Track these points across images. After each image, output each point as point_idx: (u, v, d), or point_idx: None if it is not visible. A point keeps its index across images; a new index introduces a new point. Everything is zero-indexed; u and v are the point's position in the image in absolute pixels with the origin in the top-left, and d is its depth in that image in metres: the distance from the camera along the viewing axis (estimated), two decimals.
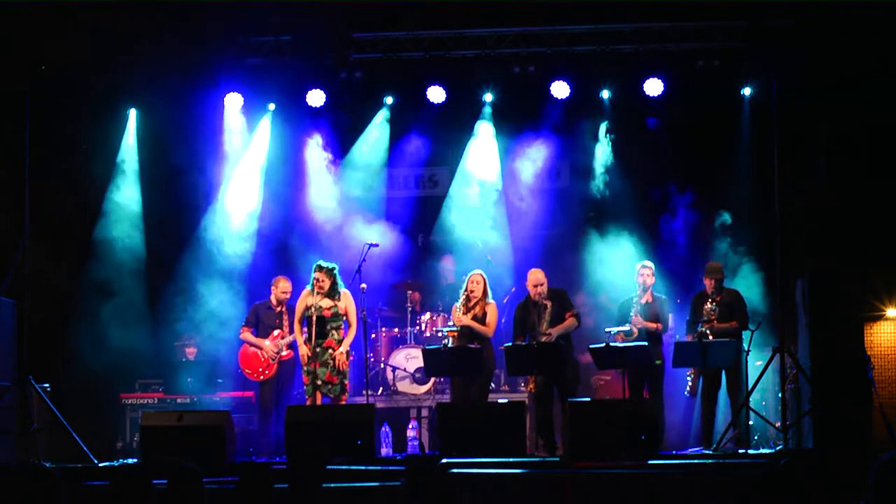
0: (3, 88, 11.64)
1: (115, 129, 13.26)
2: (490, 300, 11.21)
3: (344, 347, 10.86)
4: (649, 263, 11.36)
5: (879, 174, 10.69)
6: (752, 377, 10.52)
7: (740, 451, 10.05)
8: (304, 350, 10.83)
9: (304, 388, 10.90)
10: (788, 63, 11.13)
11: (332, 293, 10.90)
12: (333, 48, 12.76)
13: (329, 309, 10.85)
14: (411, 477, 5.42)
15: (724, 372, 10.71)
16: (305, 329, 10.97)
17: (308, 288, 11.00)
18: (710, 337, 10.61)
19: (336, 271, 10.99)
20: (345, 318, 10.96)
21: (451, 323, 11.40)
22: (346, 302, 10.99)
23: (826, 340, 10.23)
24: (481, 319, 11.00)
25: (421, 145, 13.76)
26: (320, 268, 10.94)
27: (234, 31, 12.65)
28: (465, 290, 11.13)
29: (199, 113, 13.22)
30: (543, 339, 10.79)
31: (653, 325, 11.01)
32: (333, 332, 10.85)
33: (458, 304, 11.19)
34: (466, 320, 10.96)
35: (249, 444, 11.46)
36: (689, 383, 10.97)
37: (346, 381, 10.89)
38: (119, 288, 12.89)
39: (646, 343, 10.70)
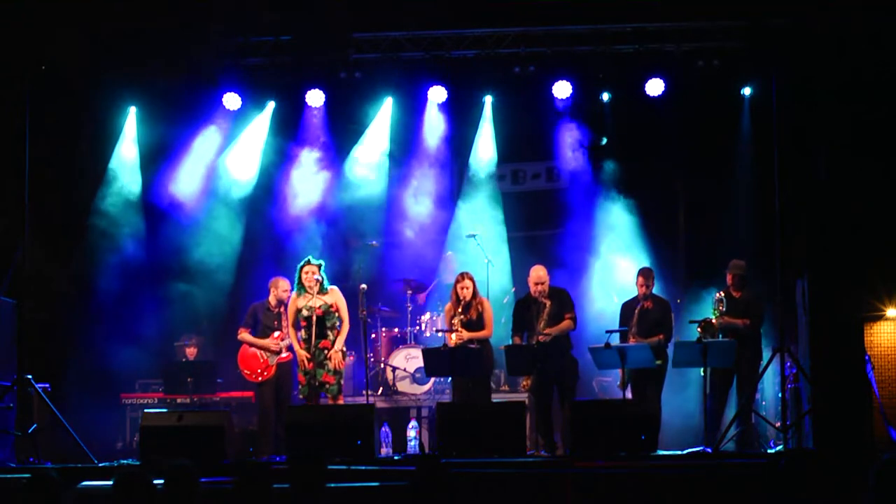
0: (3, 88, 11.65)
1: (114, 127, 13.28)
2: (482, 297, 11.17)
3: (338, 346, 10.78)
4: (646, 270, 11.32)
5: (880, 174, 10.68)
6: None
7: (748, 449, 10.10)
8: (302, 354, 10.75)
9: (300, 387, 10.83)
10: (788, 63, 11.12)
11: (321, 290, 10.81)
12: (333, 48, 12.75)
13: (320, 307, 10.76)
14: (417, 477, 5.43)
15: (736, 371, 10.77)
16: (300, 332, 10.86)
17: (295, 292, 10.92)
18: (715, 323, 10.68)
19: (323, 268, 10.92)
20: (337, 314, 10.89)
21: (445, 323, 11.32)
22: (336, 298, 10.86)
23: (826, 340, 10.21)
24: (477, 322, 10.93)
25: (420, 145, 13.77)
26: (310, 262, 10.86)
27: (234, 31, 12.65)
28: (455, 295, 11.04)
29: (199, 112, 13.24)
30: (540, 338, 10.78)
31: (654, 340, 10.96)
32: (329, 332, 10.79)
33: (449, 305, 11.12)
34: (467, 335, 10.87)
35: (249, 444, 11.46)
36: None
37: (342, 381, 10.86)
38: (119, 288, 12.90)
39: (646, 343, 10.70)
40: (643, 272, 11.27)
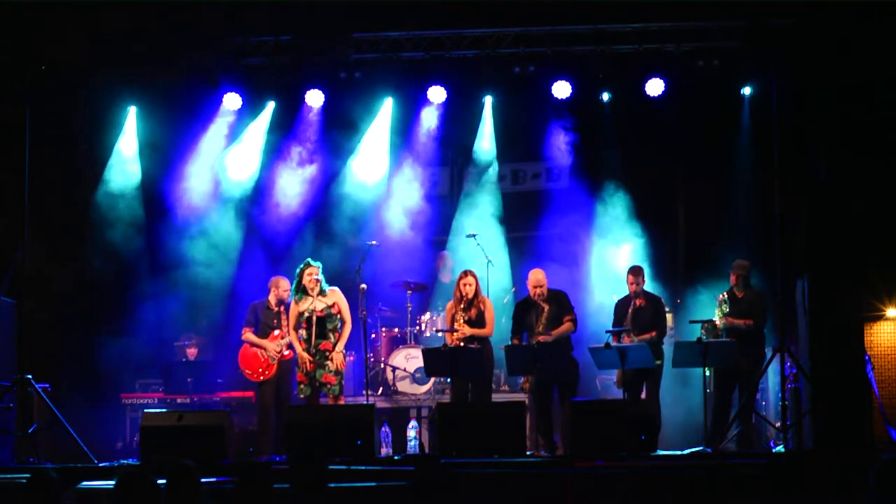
0: (3, 88, 11.65)
1: (114, 127, 13.27)
2: (484, 296, 11.21)
3: (340, 347, 10.80)
4: (635, 268, 11.35)
5: (879, 174, 10.70)
6: None
7: (748, 449, 10.12)
8: (305, 357, 10.78)
9: (300, 387, 10.84)
10: (788, 63, 11.13)
11: (320, 291, 10.83)
12: (333, 48, 12.75)
13: (322, 310, 10.79)
14: (417, 477, 5.43)
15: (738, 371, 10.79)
16: (301, 333, 10.88)
17: (295, 296, 10.91)
18: (718, 325, 10.71)
19: (321, 270, 10.93)
20: (338, 315, 10.90)
21: (445, 322, 11.34)
22: (337, 299, 10.89)
23: (826, 340, 10.23)
24: (478, 320, 10.97)
25: (420, 145, 13.77)
26: (310, 265, 10.88)
27: (234, 31, 12.64)
28: (459, 292, 11.08)
29: (198, 112, 13.24)
30: (540, 338, 10.79)
31: (646, 337, 10.98)
32: (330, 333, 10.80)
33: (451, 303, 11.15)
34: (469, 331, 10.92)
35: (249, 444, 11.46)
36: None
37: (343, 381, 10.86)
38: (119, 287, 12.90)
39: (646, 343, 10.71)
40: (632, 270, 11.31)
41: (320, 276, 10.79)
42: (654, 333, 11.00)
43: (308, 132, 13.59)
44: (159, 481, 5.49)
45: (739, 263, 11.24)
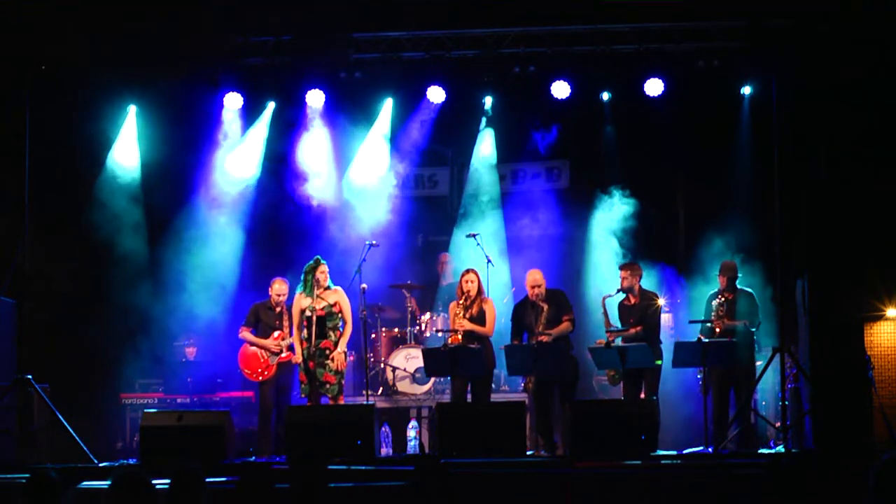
0: (3, 87, 11.65)
1: (114, 127, 13.27)
2: (486, 297, 11.23)
3: (341, 348, 10.83)
4: (628, 265, 11.36)
5: (879, 174, 10.70)
6: None
7: (748, 449, 10.12)
8: (298, 356, 10.82)
9: (301, 386, 10.87)
10: (788, 63, 11.13)
11: (327, 287, 10.89)
12: (333, 48, 12.75)
13: (322, 308, 10.81)
14: (417, 477, 5.44)
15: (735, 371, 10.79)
16: (303, 332, 10.90)
17: (299, 291, 10.96)
18: (718, 331, 10.71)
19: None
20: (339, 314, 10.92)
21: (449, 322, 11.37)
22: (339, 298, 10.94)
23: (826, 340, 10.23)
24: (479, 319, 10.99)
25: (420, 145, 13.77)
26: (319, 261, 10.93)
27: (234, 31, 12.65)
28: (460, 290, 11.12)
29: (198, 112, 13.24)
30: (541, 338, 10.80)
31: (631, 332, 10.99)
32: (331, 332, 10.83)
33: (454, 304, 11.18)
34: (468, 325, 10.94)
35: (249, 444, 11.46)
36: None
37: (342, 381, 10.89)
38: (119, 287, 12.89)
39: (645, 343, 10.71)
40: (622, 266, 11.33)
41: (327, 274, 10.86)
42: (639, 328, 11.00)
43: (308, 133, 13.58)
44: (162, 482, 5.49)
45: (728, 265, 11.22)
